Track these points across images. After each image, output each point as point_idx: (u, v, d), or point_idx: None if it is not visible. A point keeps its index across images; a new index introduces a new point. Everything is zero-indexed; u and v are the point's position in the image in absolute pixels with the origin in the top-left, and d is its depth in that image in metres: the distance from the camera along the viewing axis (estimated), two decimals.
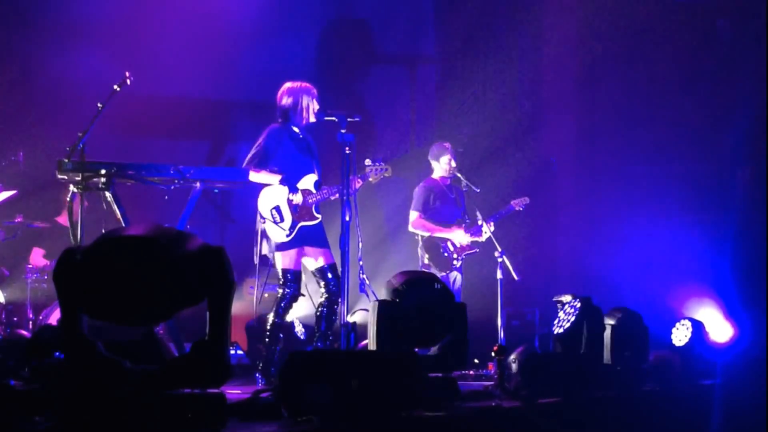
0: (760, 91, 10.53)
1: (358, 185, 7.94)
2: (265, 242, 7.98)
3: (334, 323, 7.81)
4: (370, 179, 8.12)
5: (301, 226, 7.90)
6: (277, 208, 7.89)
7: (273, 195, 7.91)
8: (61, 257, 4.09)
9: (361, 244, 7.86)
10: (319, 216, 7.97)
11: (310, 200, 7.94)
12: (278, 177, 7.89)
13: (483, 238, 9.55)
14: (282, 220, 7.86)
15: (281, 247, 7.89)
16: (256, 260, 8.12)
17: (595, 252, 11.31)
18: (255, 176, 7.85)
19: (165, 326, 7.32)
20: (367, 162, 8.11)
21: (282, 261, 7.93)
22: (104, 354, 4.12)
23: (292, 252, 7.90)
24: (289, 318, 8.20)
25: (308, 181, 8.02)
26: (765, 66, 10.28)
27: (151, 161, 7.44)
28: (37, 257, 9.44)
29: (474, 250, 9.58)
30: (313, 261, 7.98)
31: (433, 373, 5.87)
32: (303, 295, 8.08)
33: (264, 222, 7.89)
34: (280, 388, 4.64)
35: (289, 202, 7.89)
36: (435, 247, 9.46)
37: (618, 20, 11.44)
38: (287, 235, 7.86)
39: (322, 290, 7.97)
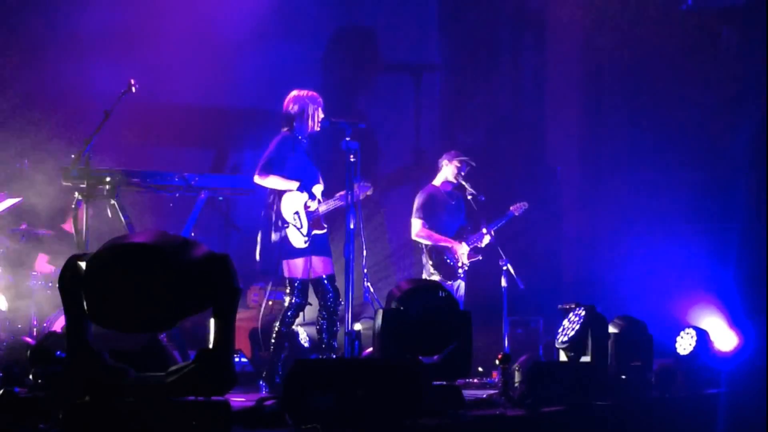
0: (764, 98, 10.52)
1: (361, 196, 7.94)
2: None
3: (336, 334, 7.81)
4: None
5: (314, 235, 7.91)
6: (297, 214, 7.88)
7: (293, 200, 7.90)
8: (67, 264, 4.10)
9: (366, 251, 7.87)
10: (326, 226, 7.98)
11: (320, 209, 7.95)
12: (296, 183, 7.88)
13: (482, 244, 9.56)
14: (302, 225, 7.86)
15: (291, 254, 7.88)
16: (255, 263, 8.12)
17: (599, 260, 11.30)
18: (267, 181, 7.85)
19: (169, 333, 7.34)
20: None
21: (291, 269, 7.92)
22: (109, 361, 4.13)
23: (301, 261, 7.90)
24: (294, 326, 8.21)
25: (318, 191, 8.03)
26: (766, 66, 10.28)
27: (156, 169, 7.46)
28: (42, 264, 9.44)
29: (477, 258, 9.57)
30: (315, 271, 7.98)
31: (437, 381, 5.87)
32: (310, 304, 8.09)
33: (287, 226, 7.87)
34: (284, 395, 4.64)
35: (306, 208, 7.89)
36: (440, 255, 9.45)
37: (623, 28, 11.44)
38: (305, 242, 7.86)
39: (320, 302, 7.98)
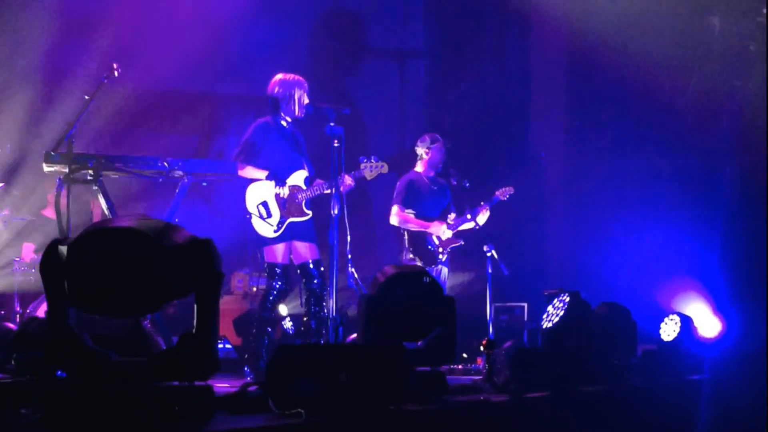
0: (750, 87, 10.53)
1: (349, 182, 7.90)
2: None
3: (324, 319, 7.80)
4: (366, 176, 8.09)
5: (290, 222, 7.89)
6: (264, 204, 7.88)
7: (260, 190, 7.91)
8: (48, 249, 4.07)
9: (350, 237, 7.86)
10: (309, 212, 7.96)
11: (300, 196, 7.93)
12: (265, 173, 7.88)
13: (467, 226, 9.54)
14: (270, 215, 7.85)
15: (269, 241, 7.89)
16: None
17: (584, 247, 11.32)
18: (241, 172, 7.85)
19: (152, 319, 7.32)
20: (363, 159, 8.09)
21: (270, 255, 7.93)
22: (91, 346, 4.10)
23: (281, 246, 7.91)
24: (278, 312, 8.20)
25: (298, 177, 8.01)
26: (764, 63, 10.28)
27: (139, 153, 7.42)
28: (29, 252, 9.39)
29: (459, 243, 9.57)
30: (299, 256, 7.99)
31: (421, 367, 5.85)
32: (291, 290, 8.08)
33: (250, 217, 7.89)
34: (267, 381, 4.62)
35: (277, 196, 7.88)
36: (420, 240, 9.44)
37: (608, 14, 11.43)
38: (275, 231, 7.85)
39: (307, 287, 7.97)
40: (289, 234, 7.91)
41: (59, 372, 4.09)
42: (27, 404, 4.42)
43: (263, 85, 8.22)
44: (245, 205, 7.95)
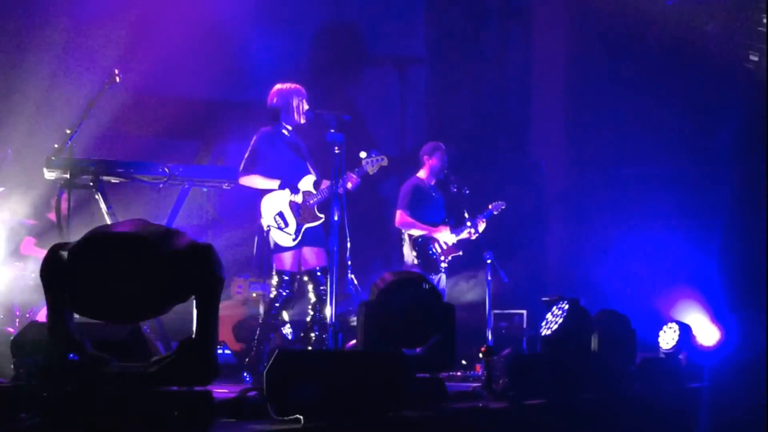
0: (750, 96, 10.55)
1: (353, 181, 7.92)
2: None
3: (327, 327, 7.80)
4: (368, 171, 8.10)
5: (306, 228, 7.90)
6: (281, 214, 7.89)
7: (274, 201, 7.92)
8: (48, 254, 4.08)
9: (350, 243, 7.86)
10: (322, 216, 7.97)
11: (311, 201, 7.94)
12: (276, 182, 7.89)
13: (463, 235, 9.56)
14: (287, 225, 7.87)
15: (281, 249, 7.89)
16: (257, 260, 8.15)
17: (583, 254, 11.33)
18: (249, 181, 7.87)
19: (152, 325, 7.32)
20: (363, 155, 8.09)
21: (279, 262, 7.93)
22: (90, 351, 4.11)
23: (291, 254, 7.91)
24: (279, 318, 8.21)
25: (307, 183, 8.02)
26: (764, 72, 10.29)
27: (140, 159, 7.43)
28: (29, 246, 9.39)
29: (458, 253, 9.59)
30: (307, 262, 7.99)
31: (421, 374, 5.86)
32: (296, 297, 8.09)
33: (269, 230, 7.89)
34: (266, 387, 4.62)
35: (292, 204, 7.89)
36: (423, 248, 9.45)
37: (607, 23, 11.46)
38: (294, 239, 7.87)
39: (311, 294, 7.97)
40: (302, 241, 7.93)
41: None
42: (26, 409, 4.42)
43: (264, 91, 8.24)
44: (262, 219, 7.96)
